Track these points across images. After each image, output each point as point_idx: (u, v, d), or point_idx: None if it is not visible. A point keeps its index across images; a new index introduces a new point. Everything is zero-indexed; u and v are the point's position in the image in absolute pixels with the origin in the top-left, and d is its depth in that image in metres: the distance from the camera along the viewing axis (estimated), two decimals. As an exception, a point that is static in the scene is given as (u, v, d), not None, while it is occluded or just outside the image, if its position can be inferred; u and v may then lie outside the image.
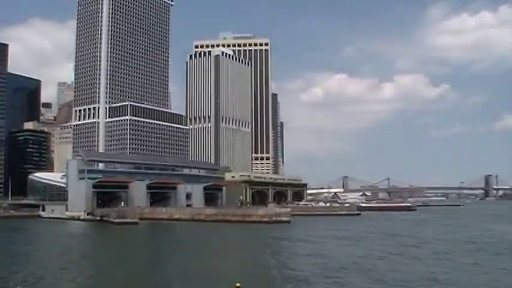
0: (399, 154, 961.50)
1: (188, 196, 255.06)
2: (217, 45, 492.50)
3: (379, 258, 77.73)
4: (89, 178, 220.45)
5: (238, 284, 33.98)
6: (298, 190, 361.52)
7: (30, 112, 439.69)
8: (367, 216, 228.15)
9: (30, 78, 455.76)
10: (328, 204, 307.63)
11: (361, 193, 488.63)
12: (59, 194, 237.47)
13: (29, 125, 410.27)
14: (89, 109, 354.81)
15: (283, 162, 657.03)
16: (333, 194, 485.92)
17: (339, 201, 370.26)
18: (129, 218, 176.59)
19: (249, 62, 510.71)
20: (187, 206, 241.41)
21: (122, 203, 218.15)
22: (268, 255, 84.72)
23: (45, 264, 73.97)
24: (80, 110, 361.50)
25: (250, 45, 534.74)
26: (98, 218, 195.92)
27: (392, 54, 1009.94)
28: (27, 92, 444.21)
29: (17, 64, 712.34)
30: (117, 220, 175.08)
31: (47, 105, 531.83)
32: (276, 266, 71.37)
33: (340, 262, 72.47)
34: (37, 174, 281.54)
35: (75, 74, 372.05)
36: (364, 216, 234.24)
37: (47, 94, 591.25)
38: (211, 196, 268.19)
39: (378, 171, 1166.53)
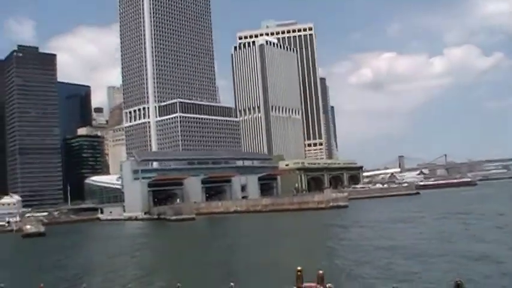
0: (455, 129, 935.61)
1: (243, 188, 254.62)
2: (261, 35, 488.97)
3: (442, 239, 74.10)
4: (143, 178, 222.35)
5: (299, 268, 32.71)
6: (354, 173, 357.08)
7: (83, 118, 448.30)
8: (426, 195, 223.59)
9: (80, 85, 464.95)
10: (385, 185, 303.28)
11: (418, 172, 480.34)
12: (115, 196, 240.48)
13: (82, 131, 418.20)
14: (139, 110, 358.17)
15: (336, 146, 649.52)
16: (389, 174, 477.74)
17: (397, 181, 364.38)
18: (185, 214, 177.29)
19: (294, 49, 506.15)
20: (243, 197, 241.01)
21: (178, 199, 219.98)
22: (325, 242, 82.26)
23: (98, 267, 73.48)
24: (130, 112, 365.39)
25: (294, 31, 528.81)
26: (155, 217, 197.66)
27: (440, 27, 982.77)
28: (78, 98, 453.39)
29: (67, 72, 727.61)
30: (174, 217, 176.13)
31: (99, 110, 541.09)
32: (332, 252, 69.10)
33: (401, 245, 69.34)
34: (93, 178, 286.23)
35: (122, 76, 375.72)
36: (424, 194, 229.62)
37: (98, 99, 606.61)
38: (266, 186, 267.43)
39: (434, 148, 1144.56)
